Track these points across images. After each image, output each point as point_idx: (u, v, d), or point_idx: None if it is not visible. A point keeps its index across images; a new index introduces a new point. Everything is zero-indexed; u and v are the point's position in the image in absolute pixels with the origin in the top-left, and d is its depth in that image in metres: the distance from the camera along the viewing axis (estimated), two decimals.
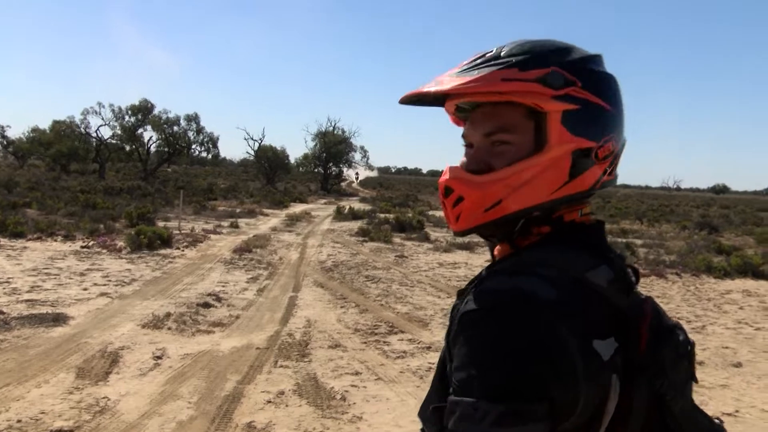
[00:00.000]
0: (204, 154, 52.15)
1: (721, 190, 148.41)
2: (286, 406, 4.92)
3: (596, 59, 1.06)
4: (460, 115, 1.11)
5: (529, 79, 0.99)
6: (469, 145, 1.07)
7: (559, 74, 1.00)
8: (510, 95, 0.99)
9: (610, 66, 1.08)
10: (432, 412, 0.99)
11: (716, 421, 1.10)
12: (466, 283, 1.08)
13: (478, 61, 1.03)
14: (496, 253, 1.13)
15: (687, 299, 10.40)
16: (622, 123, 1.07)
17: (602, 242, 1.08)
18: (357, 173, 70.88)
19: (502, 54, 1.02)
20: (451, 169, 1.04)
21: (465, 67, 1.03)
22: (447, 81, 1.01)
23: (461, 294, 1.04)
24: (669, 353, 1.00)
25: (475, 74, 1.00)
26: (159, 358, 5.87)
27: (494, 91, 0.99)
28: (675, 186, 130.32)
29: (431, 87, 1.02)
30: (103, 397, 4.86)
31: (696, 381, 1.07)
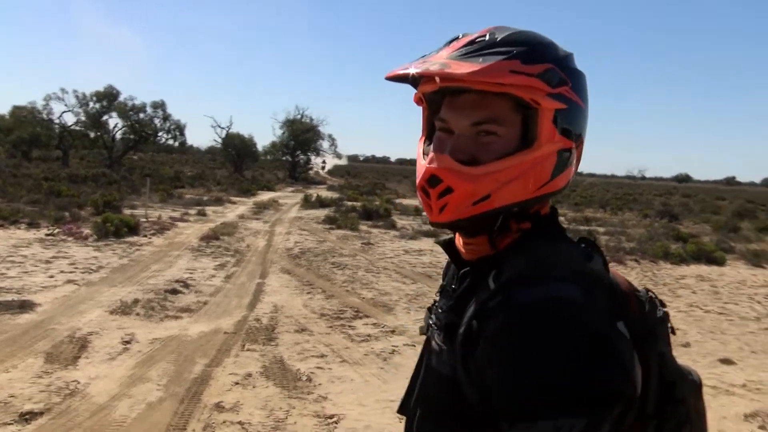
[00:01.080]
0: (171, 142, 51.49)
1: (683, 179, 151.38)
2: (254, 387, 5.07)
3: (573, 58, 1.06)
4: (432, 97, 1.05)
5: (533, 73, 0.95)
6: (447, 131, 1.01)
7: (556, 72, 0.98)
8: (511, 88, 0.94)
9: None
10: None
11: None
12: (455, 297, 1.03)
13: (477, 46, 0.97)
14: (462, 246, 1.10)
15: (644, 284, 10.74)
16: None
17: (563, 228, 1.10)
18: (324, 161, 67.82)
19: (497, 41, 0.97)
20: (440, 158, 0.98)
21: (464, 52, 0.96)
22: (453, 66, 0.93)
23: (454, 310, 1.01)
24: (654, 314, 1.07)
25: (481, 62, 0.93)
26: (128, 342, 5.98)
27: (499, 83, 0.93)
28: (640, 175, 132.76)
29: (433, 67, 0.95)
30: (73, 381, 4.96)
31: (674, 333, 1.13)
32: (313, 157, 58.36)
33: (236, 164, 50.39)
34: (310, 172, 58.58)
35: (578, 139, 1.04)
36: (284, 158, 57.14)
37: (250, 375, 5.33)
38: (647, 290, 1.13)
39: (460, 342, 0.95)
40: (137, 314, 7.00)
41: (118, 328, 6.44)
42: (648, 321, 1.05)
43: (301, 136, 54.78)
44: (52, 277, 8.61)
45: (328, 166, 74.37)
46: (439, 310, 1.07)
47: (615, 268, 1.11)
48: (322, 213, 20.00)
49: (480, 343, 0.91)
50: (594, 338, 0.86)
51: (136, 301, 7.47)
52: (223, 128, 52.43)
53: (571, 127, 1.01)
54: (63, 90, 44.39)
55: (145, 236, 13.01)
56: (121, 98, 45.86)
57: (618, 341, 0.89)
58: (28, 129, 44.14)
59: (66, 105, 44.66)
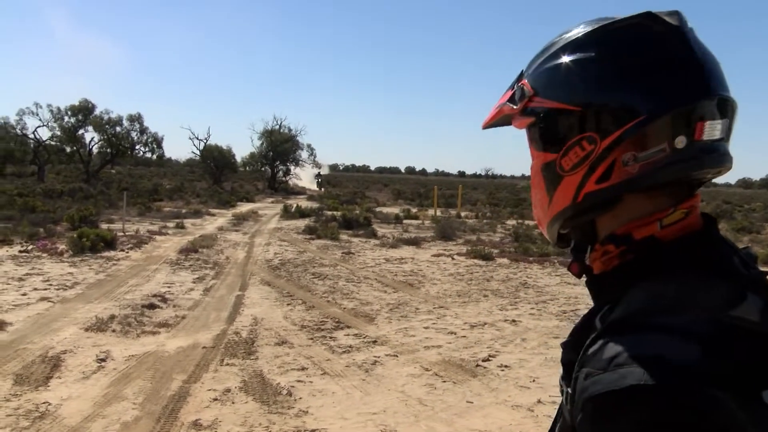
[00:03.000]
0: (148, 155, 51.11)
1: None
2: (233, 403, 4.95)
3: (578, 43, 0.89)
4: None
5: (504, 101, 0.96)
6: None
7: (522, 87, 0.93)
8: (508, 122, 0.96)
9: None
10: None
11: None
12: (572, 331, 0.90)
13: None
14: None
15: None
16: (617, 111, 0.83)
17: (723, 252, 0.85)
18: (319, 174, 58.28)
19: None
20: None
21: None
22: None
23: (572, 346, 0.87)
24: None
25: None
26: (103, 360, 5.83)
27: (493, 123, 0.99)
28: None
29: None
30: (44, 403, 4.81)
31: None
32: (292, 168, 57.81)
33: (215, 176, 50.03)
34: (290, 182, 57.50)
35: (566, 145, 0.87)
36: (263, 169, 56.78)
37: (229, 390, 5.21)
38: None
39: (569, 390, 0.81)
40: (113, 331, 6.84)
41: (94, 345, 6.28)
42: None
43: (280, 146, 54.52)
44: (24, 294, 8.40)
45: (307, 178, 60.84)
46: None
47: None
48: (302, 223, 19.85)
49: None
50: (693, 421, 0.66)
51: (112, 317, 7.31)
52: (201, 140, 52.13)
53: (548, 137, 0.90)
54: (37, 104, 43.95)
55: (123, 250, 12.80)
56: (97, 112, 45.58)
57: (738, 417, 0.66)
58: (1, 144, 43.52)
59: (40, 119, 44.25)
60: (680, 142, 0.81)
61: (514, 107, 0.93)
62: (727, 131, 0.85)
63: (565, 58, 0.88)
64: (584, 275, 0.95)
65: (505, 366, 6.11)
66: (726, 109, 0.84)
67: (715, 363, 0.68)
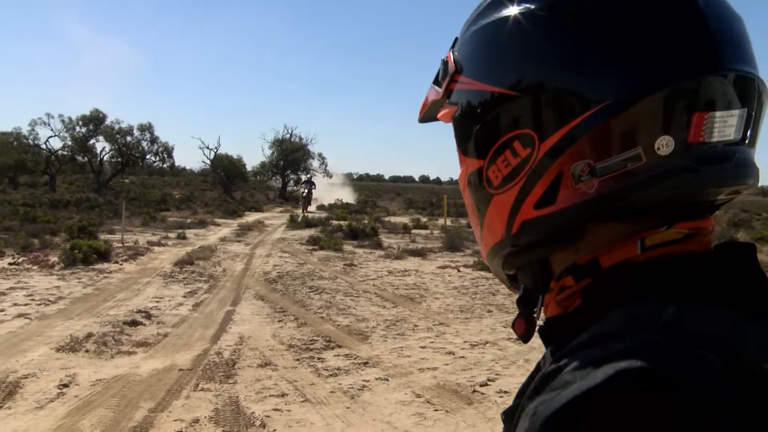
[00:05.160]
0: (159, 164, 50.95)
1: None
2: None
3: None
4: None
5: (431, 85, 0.75)
6: None
7: (446, 62, 0.70)
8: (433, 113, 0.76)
9: None
10: None
11: None
12: (516, 394, 0.64)
13: None
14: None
15: None
16: (567, 94, 0.57)
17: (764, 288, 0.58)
18: (309, 179, 42.45)
19: None
20: None
21: None
22: None
23: (513, 412, 0.61)
24: None
25: None
26: (65, 386, 5.37)
27: (426, 115, 0.79)
28: None
29: None
30: None
31: None
32: (303, 177, 57.12)
33: (226, 185, 49.76)
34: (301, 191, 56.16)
35: (492, 147, 0.62)
36: (273, 178, 56.41)
37: (197, 421, 4.74)
38: None
39: None
40: (86, 351, 6.40)
41: (61, 368, 5.84)
42: None
43: (291, 155, 54.14)
44: (2, 311, 7.99)
45: (320, 187, 47.61)
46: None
47: None
48: (307, 233, 19.40)
49: None
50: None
51: (88, 336, 6.88)
52: (211, 149, 51.87)
53: (473, 133, 0.64)
54: (48, 115, 44.02)
55: (116, 262, 12.41)
56: (108, 121, 45.47)
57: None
58: (13, 155, 43.61)
59: (52, 130, 44.21)
60: (664, 144, 0.54)
61: (439, 90, 0.70)
62: (751, 128, 0.57)
63: (497, 16, 0.62)
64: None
65: (505, 392, 5.60)
66: (748, 93, 0.56)
67: (740, 401, 0.45)
